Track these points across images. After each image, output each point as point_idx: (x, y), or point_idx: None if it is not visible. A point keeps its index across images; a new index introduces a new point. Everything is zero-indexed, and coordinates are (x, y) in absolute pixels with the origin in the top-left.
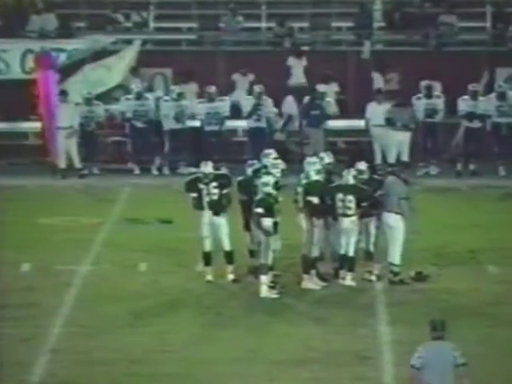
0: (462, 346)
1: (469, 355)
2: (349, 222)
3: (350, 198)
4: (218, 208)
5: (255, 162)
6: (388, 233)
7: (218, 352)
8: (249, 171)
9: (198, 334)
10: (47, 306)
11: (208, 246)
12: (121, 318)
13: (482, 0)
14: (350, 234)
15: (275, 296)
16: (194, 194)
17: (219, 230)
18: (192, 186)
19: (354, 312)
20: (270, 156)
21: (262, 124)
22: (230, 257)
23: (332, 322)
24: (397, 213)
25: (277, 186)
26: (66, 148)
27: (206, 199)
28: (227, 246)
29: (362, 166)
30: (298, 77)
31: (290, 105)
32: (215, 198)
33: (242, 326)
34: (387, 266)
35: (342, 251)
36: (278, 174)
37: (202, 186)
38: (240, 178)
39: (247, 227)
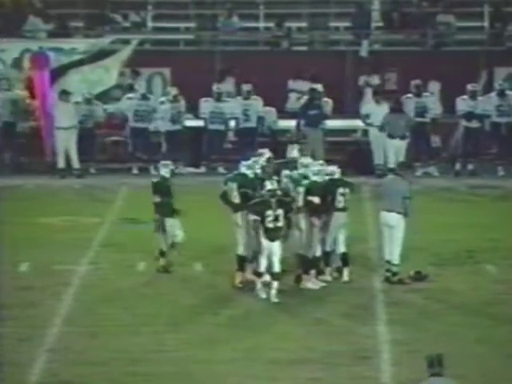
0: (461, 346)
1: (467, 355)
2: (345, 216)
3: (348, 191)
4: None
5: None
6: (388, 232)
7: (216, 352)
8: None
9: (197, 333)
10: (46, 306)
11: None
12: (119, 317)
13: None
14: (343, 229)
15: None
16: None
17: None
18: None
19: (353, 312)
20: (264, 156)
21: (252, 124)
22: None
23: (330, 321)
24: (398, 212)
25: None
26: (66, 148)
27: None
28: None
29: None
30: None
31: None
32: None
33: (240, 325)
34: (384, 264)
35: (328, 247)
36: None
37: None
38: (155, 180)
39: (161, 229)
